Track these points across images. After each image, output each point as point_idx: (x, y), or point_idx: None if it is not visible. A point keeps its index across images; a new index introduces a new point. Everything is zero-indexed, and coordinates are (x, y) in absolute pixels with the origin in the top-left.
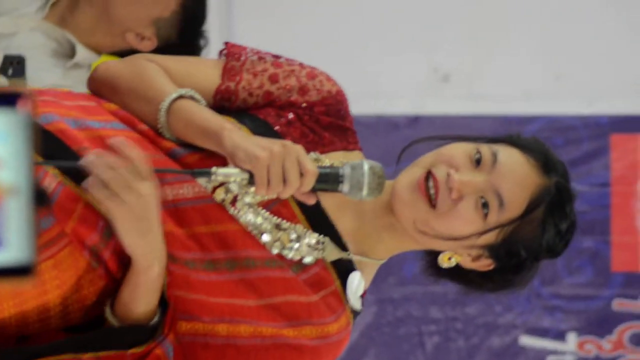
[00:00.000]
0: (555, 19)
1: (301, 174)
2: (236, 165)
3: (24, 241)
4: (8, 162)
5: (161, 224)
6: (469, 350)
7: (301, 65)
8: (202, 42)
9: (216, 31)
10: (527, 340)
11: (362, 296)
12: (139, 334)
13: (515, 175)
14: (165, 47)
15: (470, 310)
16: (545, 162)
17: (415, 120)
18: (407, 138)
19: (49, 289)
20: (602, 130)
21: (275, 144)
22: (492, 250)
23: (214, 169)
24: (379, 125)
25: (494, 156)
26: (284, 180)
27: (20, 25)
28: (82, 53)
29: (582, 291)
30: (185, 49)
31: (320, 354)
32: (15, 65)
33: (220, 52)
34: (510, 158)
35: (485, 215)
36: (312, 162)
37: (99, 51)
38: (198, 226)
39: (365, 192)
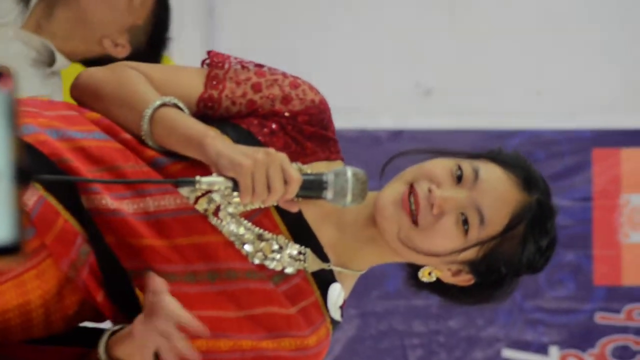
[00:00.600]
0: (536, 34)
1: (285, 182)
2: (220, 174)
3: (6, 222)
4: None
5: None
6: None
7: (284, 74)
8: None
9: (197, 46)
10: (509, 354)
11: (342, 307)
12: None
13: (497, 192)
14: (134, 55)
15: (453, 324)
16: (527, 178)
17: (397, 135)
18: (390, 152)
19: (32, 299)
20: (584, 144)
21: (258, 152)
22: (473, 266)
23: (197, 177)
24: (361, 140)
25: (475, 172)
26: (268, 188)
27: None
28: (61, 61)
29: (565, 305)
30: (151, 57)
31: None
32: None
33: (203, 60)
34: (492, 174)
35: (466, 231)
36: (296, 170)
37: (73, 58)
38: (179, 238)
39: (349, 198)
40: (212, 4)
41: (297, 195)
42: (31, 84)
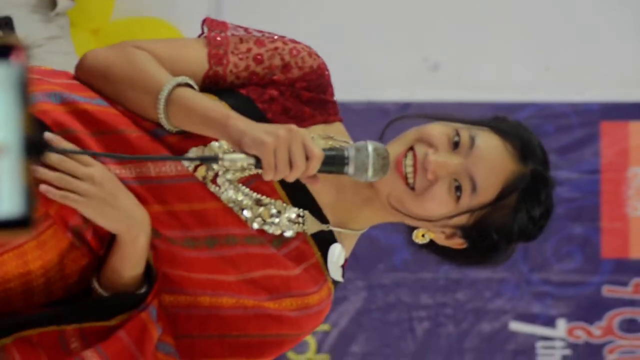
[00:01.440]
0: (545, 7)
1: (307, 158)
2: (242, 151)
3: (18, 195)
4: (1, 119)
5: (132, 196)
6: (459, 335)
7: (283, 40)
8: None
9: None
10: (516, 326)
11: (343, 266)
12: (123, 303)
13: (490, 161)
14: None
15: (460, 296)
16: (523, 148)
17: (405, 107)
18: (398, 125)
19: (33, 269)
20: (593, 117)
21: (280, 129)
22: (464, 231)
23: (220, 154)
24: (370, 112)
25: (472, 140)
26: (290, 164)
27: None
28: (63, 2)
29: (572, 277)
30: None
31: (301, 324)
32: (4, 26)
33: (202, 26)
34: (488, 143)
35: (458, 198)
36: (318, 146)
37: None
38: (179, 203)
39: (370, 173)
40: None
41: (319, 171)
42: (34, 29)
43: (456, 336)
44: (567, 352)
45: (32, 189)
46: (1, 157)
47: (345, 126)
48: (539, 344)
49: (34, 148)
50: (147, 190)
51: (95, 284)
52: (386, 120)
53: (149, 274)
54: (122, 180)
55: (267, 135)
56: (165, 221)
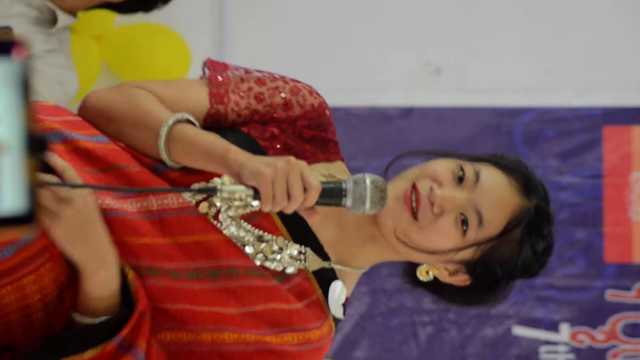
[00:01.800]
0: (546, 12)
1: (305, 189)
2: (241, 183)
3: (19, 193)
4: (2, 116)
5: (105, 233)
6: (462, 340)
7: (284, 79)
8: None
9: (209, 25)
10: (520, 331)
11: (344, 304)
12: (95, 336)
13: (496, 195)
14: (130, 2)
15: None
16: (527, 184)
17: (408, 112)
18: (400, 129)
19: (32, 302)
20: (595, 122)
21: (279, 160)
22: (469, 266)
23: (219, 186)
24: (372, 117)
25: (477, 174)
26: (288, 196)
27: None
28: (63, 18)
29: (575, 282)
30: (147, 4)
31: (303, 358)
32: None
33: (203, 68)
34: (493, 178)
35: (464, 231)
36: (316, 178)
37: (75, 11)
38: (182, 236)
39: (367, 205)
40: None
41: (317, 203)
42: (36, 42)
43: (459, 341)
44: (571, 356)
45: (34, 186)
46: (3, 154)
47: (347, 131)
48: (543, 349)
49: (36, 144)
50: (150, 224)
51: (75, 313)
52: (388, 124)
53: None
54: (124, 213)
55: (266, 166)
56: (169, 253)
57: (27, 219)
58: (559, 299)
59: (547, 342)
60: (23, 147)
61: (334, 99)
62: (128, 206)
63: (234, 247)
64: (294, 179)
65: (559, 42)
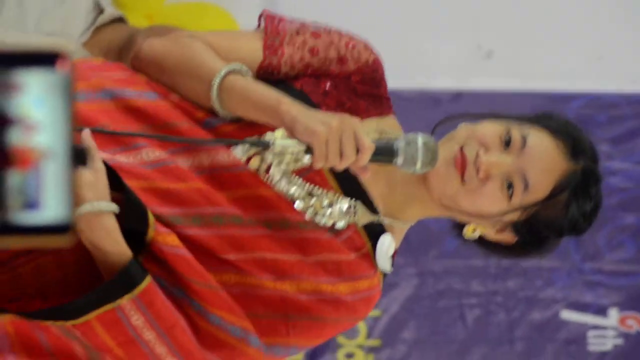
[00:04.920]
0: None
1: (357, 149)
2: (294, 138)
3: (61, 202)
4: (45, 125)
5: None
6: (510, 323)
7: (339, 33)
8: None
9: (259, 3)
10: (568, 315)
11: (393, 257)
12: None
13: (543, 160)
14: None
15: (511, 284)
16: (574, 146)
17: (457, 96)
18: (450, 114)
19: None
20: None
21: (333, 119)
22: (515, 227)
23: (272, 139)
24: (421, 100)
25: (524, 139)
26: (341, 154)
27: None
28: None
29: (624, 267)
30: None
31: (355, 308)
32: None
33: (259, 20)
34: (540, 142)
35: (510, 196)
36: (368, 137)
37: None
38: (235, 190)
39: (418, 166)
40: None
41: (369, 161)
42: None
43: (507, 324)
44: (619, 341)
45: (74, 197)
46: (47, 161)
47: (397, 113)
48: (591, 333)
49: (78, 155)
50: (202, 178)
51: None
52: (438, 108)
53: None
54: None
55: (319, 124)
56: (226, 203)
57: (65, 229)
58: (607, 284)
59: (596, 327)
60: (65, 156)
61: None
62: (180, 161)
63: (285, 201)
64: (347, 139)
65: (610, 28)
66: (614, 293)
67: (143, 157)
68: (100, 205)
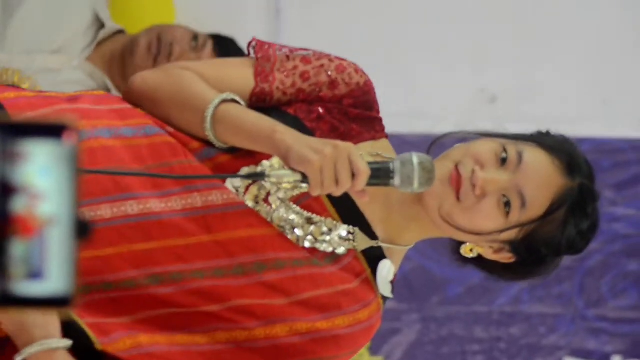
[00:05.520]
0: (604, 43)
1: (353, 174)
2: (289, 167)
3: (63, 273)
4: (50, 194)
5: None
6: None
7: (329, 58)
8: None
9: None
10: None
11: (392, 282)
12: None
13: (539, 177)
14: None
15: (514, 331)
16: (570, 163)
17: (462, 141)
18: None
19: None
20: None
21: (327, 146)
22: (513, 245)
23: (267, 171)
24: (425, 145)
25: (520, 155)
26: (337, 181)
27: (64, 62)
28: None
29: (628, 314)
30: None
31: (355, 339)
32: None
33: (248, 47)
34: (536, 158)
35: (507, 213)
36: (364, 161)
37: None
38: (227, 232)
39: (416, 185)
40: (279, 5)
41: (366, 184)
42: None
43: None
44: None
45: (77, 269)
46: (52, 228)
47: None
48: None
49: (81, 227)
50: (192, 222)
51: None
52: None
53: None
54: (167, 214)
55: (313, 153)
56: (214, 251)
57: (67, 301)
58: (611, 331)
59: None
60: (69, 227)
61: (388, 125)
62: (173, 204)
63: (280, 238)
64: (342, 165)
65: (615, 73)
66: (618, 340)
67: (127, 210)
68: (51, 343)
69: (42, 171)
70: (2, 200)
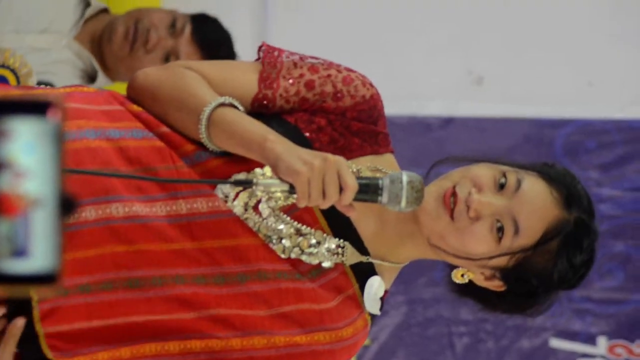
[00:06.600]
0: (589, 23)
1: (341, 188)
2: (278, 176)
3: (49, 250)
4: (35, 172)
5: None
6: (499, 351)
7: (338, 68)
8: None
9: (248, 38)
10: (557, 343)
11: (383, 298)
12: None
13: (535, 205)
14: None
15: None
16: (569, 196)
17: (448, 122)
18: (440, 139)
19: None
20: (636, 134)
21: (316, 158)
22: (504, 273)
23: (255, 179)
24: (412, 126)
25: (519, 183)
26: (324, 194)
27: (53, 42)
28: (102, 79)
29: (613, 295)
30: None
31: (336, 356)
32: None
33: (258, 51)
34: (534, 188)
35: (500, 239)
36: (352, 176)
37: (115, 80)
38: (211, 240)
39: (403, 204)
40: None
41: (354, 199)
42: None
43: (496, 352)
44: None
45: (62, 246)
46: (36, 209)
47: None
48: None
49: (66, 205)
50: (176, 228)
51: None
52: (428, 134)
53: None
54: (151, 219)
55: (302, 164)
56: (197, 258)
57: (52, 278)
58: (596, 312)
59: (585, 355)
60: (54, 205)
61: None
62: (157, 210)
63: (265, 249)
64: (330, 178)
65: (601, 55)
66: (603, 321)
67: (112, 213)
68: None
69: (26, 148)
70: None
